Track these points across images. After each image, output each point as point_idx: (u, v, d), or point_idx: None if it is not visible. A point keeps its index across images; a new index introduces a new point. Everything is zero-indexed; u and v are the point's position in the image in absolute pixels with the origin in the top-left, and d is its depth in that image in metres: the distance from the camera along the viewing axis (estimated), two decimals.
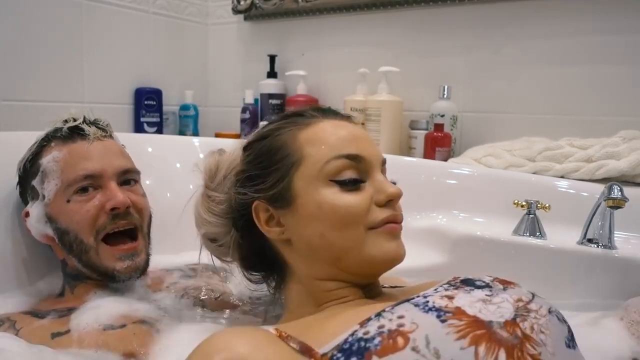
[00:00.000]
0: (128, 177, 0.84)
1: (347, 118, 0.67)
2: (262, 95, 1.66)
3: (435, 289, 0.55)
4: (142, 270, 0.82)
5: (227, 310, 0.82)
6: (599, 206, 0.87)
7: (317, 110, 0.67)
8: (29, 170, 0.83)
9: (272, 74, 1.67)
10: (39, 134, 0.87)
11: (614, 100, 1.23)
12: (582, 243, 0.89)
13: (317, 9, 1.61)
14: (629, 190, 0.85)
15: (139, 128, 1.61)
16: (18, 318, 0.76)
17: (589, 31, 1.25)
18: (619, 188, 0.84)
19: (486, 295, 0.52)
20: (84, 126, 0.84)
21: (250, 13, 1.73)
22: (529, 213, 0.95)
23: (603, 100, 1.24)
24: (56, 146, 0.82)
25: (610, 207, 0.84)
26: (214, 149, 0.74)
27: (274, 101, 1.65)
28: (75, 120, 0.85)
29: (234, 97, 1.82)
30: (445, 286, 0.55)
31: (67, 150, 0.82)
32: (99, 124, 0.87)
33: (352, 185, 0.60)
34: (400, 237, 0.62)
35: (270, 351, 0.50)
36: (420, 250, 1.04)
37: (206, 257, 0.75)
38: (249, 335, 0.53)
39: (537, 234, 0.93)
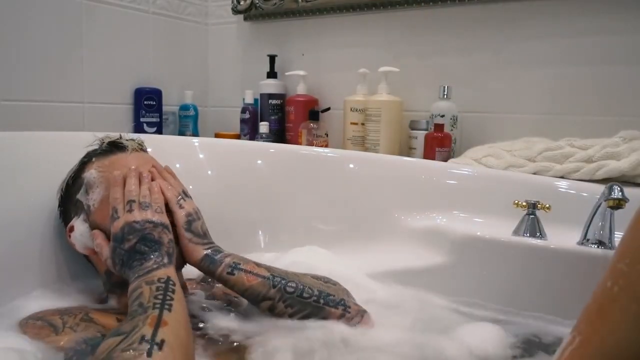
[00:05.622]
0: None
1: None
2: (262, 95, 1.66)
3: None
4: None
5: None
6: (599, 207, 0.87)
7: None
8: (72, 186, 0.86)
9: (272, 74, 1.67)
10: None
11: (614, 100, 1.23)
12: (582, 243, 0.89)
13: (317, 9, 1.61)
14: (629, 191, 0.84)
15: (138, 128, 1.61)
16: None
17: (589, 31, 1.25)
18: (619, 188, 0.83)
19: None
20: (122, 140, 0.88)
21: (250, 13, 1.73)
22: (529, 213, 0.94)
23: (603, 100, 1.24)
24: (97, 161, 0.85)
25: (611, 207, 0.84)
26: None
27: (273, 101, 1.65)
28: (111, 138, 0.89)
29: (233, 97, 1.82)
30: None
31: (109, 161, 0.84)
32: (135, 140, 0.90)
33: None
34: None
35: None
36: (419, 250, 1.04)
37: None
38: None
39: (537, 234, 0.93)
